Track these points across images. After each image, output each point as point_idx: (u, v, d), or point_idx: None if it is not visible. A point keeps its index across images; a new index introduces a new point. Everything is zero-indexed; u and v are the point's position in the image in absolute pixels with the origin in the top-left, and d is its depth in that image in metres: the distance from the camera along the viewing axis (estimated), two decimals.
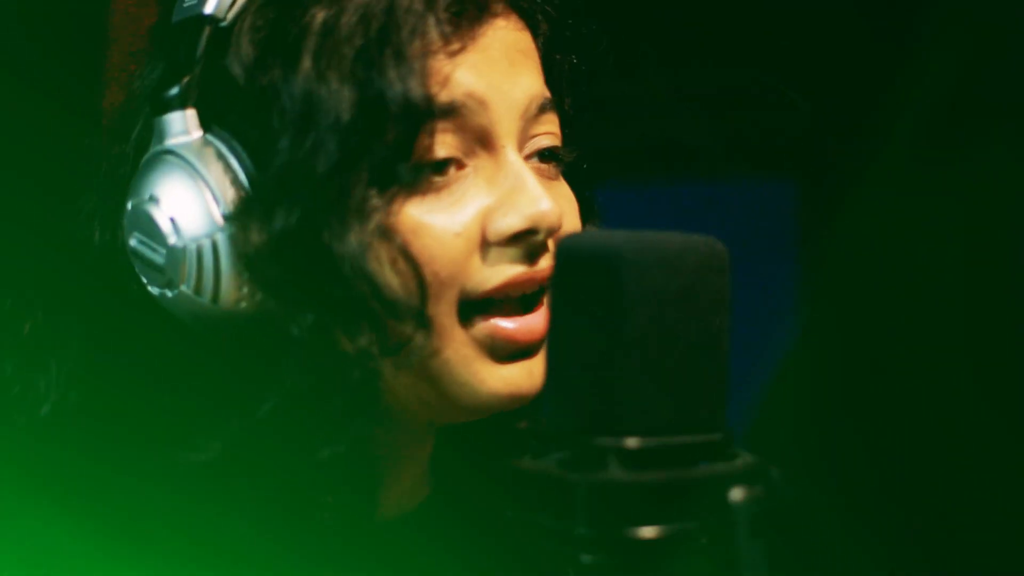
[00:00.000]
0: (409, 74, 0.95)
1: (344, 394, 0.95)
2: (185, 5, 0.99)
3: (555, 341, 0.80)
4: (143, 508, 0.95)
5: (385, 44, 0.96)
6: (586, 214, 1.08)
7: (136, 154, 1.01)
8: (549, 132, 1.04)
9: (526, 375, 0.99)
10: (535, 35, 1.06)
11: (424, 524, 1.07)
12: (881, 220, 2.04)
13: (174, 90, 0.97)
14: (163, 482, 0.96)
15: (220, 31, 0.98)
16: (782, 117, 2.15)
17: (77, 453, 0.99)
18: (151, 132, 0.99)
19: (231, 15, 0.98)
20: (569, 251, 0.81)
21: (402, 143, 0.96)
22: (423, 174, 0.97)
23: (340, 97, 0.95)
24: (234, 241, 0.95)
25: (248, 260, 0.94)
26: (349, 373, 0.95)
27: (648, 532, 0.73)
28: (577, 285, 0.78)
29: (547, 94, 1.03)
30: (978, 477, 1.90)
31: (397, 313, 0.95)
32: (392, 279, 0.95)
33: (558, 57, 1.08)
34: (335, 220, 0.94)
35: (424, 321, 0.95)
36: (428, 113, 0.96)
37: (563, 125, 1.06)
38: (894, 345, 2.02)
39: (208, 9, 0.97)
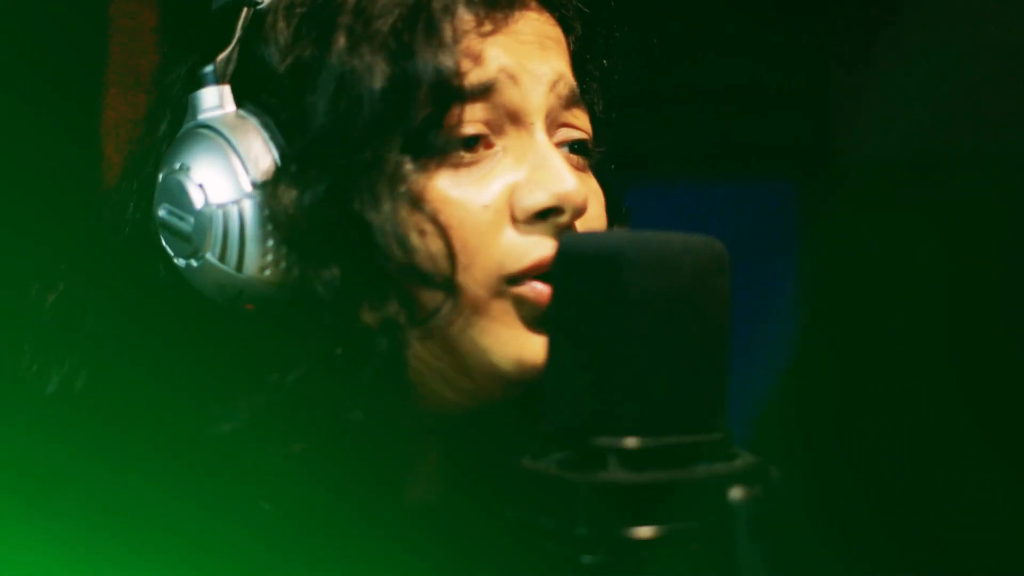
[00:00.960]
0: (441, 48, 0.97)
1: (371, 364, 0.96)
2: None
3: (555, 341, 0.80)
4: (166, 486, 0.95)
5: (418, 21, 0.98)
6: (614, 215, 1.09)
7: (169, 131, 1.04)
8: (579, 125, 1.06)
9: (543, 348, 0.99)
10: (567, 33, 1.08)
11: (437, 517, 1.07)
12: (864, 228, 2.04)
13: (209, 68, 0.99)
14: (184, 459, 0.96)
15: (257, 14, 1.01)
16: (782, 117, 2.16)
17: (97, 431, 0.99)
18: (185, 106, 1.01)
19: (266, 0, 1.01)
20: (569, 251, 0.81)
21: (434, 114, 0.98)
22: (453, 149, 0.99)
23: (374, 70, 0.97)
24: (262, 207, 0.96)
25: (277, 225, 0.96)
26: (376, 342, 0.96)
27: (648, 532, 0.74)
28: (577, 285, 0.78)
29: (575, 82, 1.05)
30: (976, 478, 1.90)
31: (426, 280, 0.96)
32: (422, 247, 0.96)
33: (589, 58, 1.09)
34: (366, 188, 0.96)
35: (453, 289, 0.96)
36: (460, 87, 0.98)
37: (593, 125, 1.07)
38: (891, 347, 2.02)
39: None
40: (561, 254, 0.80)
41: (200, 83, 1.00)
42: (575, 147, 1.05)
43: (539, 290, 0.98)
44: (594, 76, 1.11)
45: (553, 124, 1.04)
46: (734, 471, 0.76)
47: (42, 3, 1.64)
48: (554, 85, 1.03)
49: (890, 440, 1.99)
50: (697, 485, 0.76)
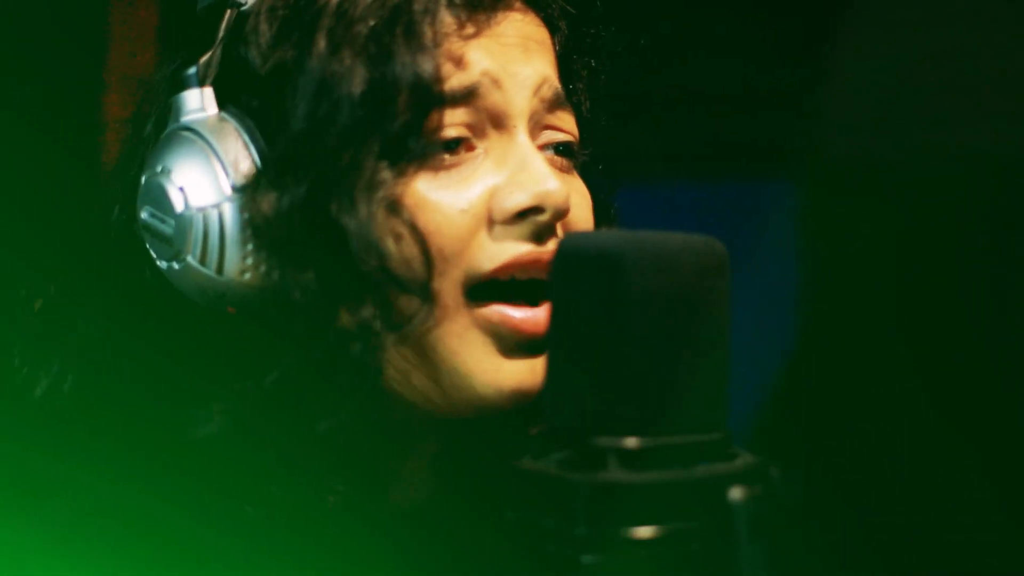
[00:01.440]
0: (421, 52, 0.97)
1: (345, 367, 0.96)
2: None
3: (555, 341, 0.80)
4: (150, 490, 0.95)
5: (398, 24, 0.98)
6: (602, 216, 1.09)
7: (155, 130, 1.04)
8: (563, 127, 1.05)
9: (529, 372, 0.99)
10: (553, 33, 1.07)
11: (426, 518, 1.07)
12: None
13: (192, 70, 1.00)
14: (168, 462, 0.96)
15: (240, 15, 1.01)
16: (782, 117, 2.16)
17: (82, 434, 0.99)
18: (169, 115, 1.01)
19: (251, 0, 1.01)
20: (569, 251, 0.81)
21: (413, 119, 0.98)
22: (433, 152, 0.99)
23: (353, 73, 0.97)
24: (242, 210, 0.96)
25: (256, 229, 0.96)
26: (351, 346, 0.96)
27: (648, 532, 0.74)
28: (577, 285, 0.78)
29: (559, 84, 1.04)
30: (976, 478, 1.90)
31: (401, 286, 0.96)
32: (397, 252, 0.96)
33: (575, 58, 1.09)
34: (344, 192, 0.96)
35: (428, 296, 0.96)
36: (440, 92, 0.98)
37: (580, 126, 1.07)
38: (891, 346, 2.02)
39: None
40: (561, 254, 0.80)
41: (183, 85, 1.00)
42: (560, 149, 1.05)
43: (512, 317, 0.98)
44: (580, 76, 1.10)
45: (537, 127, 1.03)
46: (734, 471, 0.76)
47: (42, 3, 1.64)
48: (538, 88, 1.02)
49: (890, 440, 1.99)
50: (697, 485, 0.76)
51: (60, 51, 1.63)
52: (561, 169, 1.04)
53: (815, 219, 2.18)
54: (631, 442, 0.74)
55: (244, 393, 0.97)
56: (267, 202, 0.96)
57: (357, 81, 0.96)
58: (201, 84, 1.00)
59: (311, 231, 0.96)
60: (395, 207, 0.96)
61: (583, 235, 0.99)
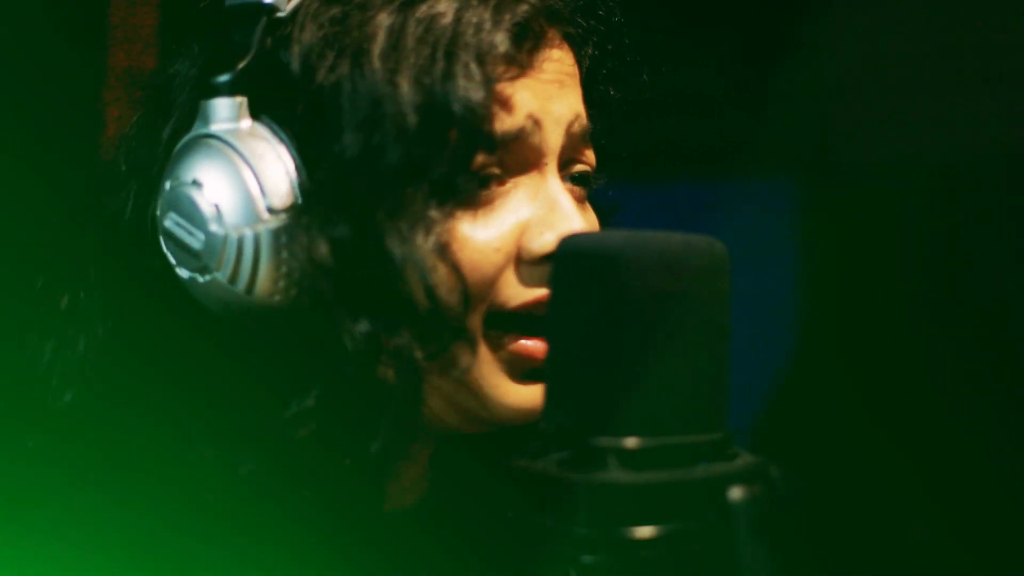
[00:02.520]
0: (476, 89, 0.96)
1: (388, 397, 0.96)
2: None
3: (555, 341, 0.80)
4: (161, 500, 0.95)
5: (453, 58, 0.96)
6: (603, 219, 1.10)
7: (174, 134, 1.01)
8: (586, 160, 1.06)
9: (541, 394, 1.00)
10: (579, 60, 1.07)
11: (420, 520, 1.07)
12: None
13: (225, 76, 0.96)
14: (184, 473, 0.96)
15: (276, 21, 0.98)
16: (781, 117, 2.16)
17: (95, 438, 0.99)
18: (194, 113, 0.98)
19: (290, 7, 0.98)
20: (569, 251, 0.81)
21: (464, 158, 0.97)
22: (471, 188, 0.98)
23: (407, 102, 0.95)
24: (279, 234, 0.94)
25: (294, 255, 0.94)
26: (389, 372, 0.96)
27: (648, 532, 0.73)
28: (577, 285, 0.78)
29: (587, 120, 1.05)
30: (976, 478, 1.90)
31: (439, 321, 0.95)
32: (437, 286, 0.95)
33: (599, 85, 1.09)
34: (392, 225, 0.95)
35: (463, 331, 0.96)
36: (491, 134, 0.98)
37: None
38: (891, 346, 2.02)
39: None
40: (561, 254, 0.80)
41: (213, 90, 0.96)
42: (577, 178, 1.05)
43: (527, 346, 0.99)
44: (600, 99, 1.10)
45: (564, 158, 1.04)
46: (734, 471, 0.76)
47: (42, 3, 1.64)
48: (570, 125, 1.03)
49: (890, 439, 1.99)
50: (697, 485, 0.76)
51: (60, 51, 1.63)
52: (577, 198, 1.04)
53: (815, 219, 2.18)
54: (631, 442, 0.74)
55: (270, 415, 0.96)
56: (310, 229, 0.94)
57: (411, 112, 0.95)
58: (233, 92, 0.96)
59: (354, 261, 0.94)
60: (439, 243, 0.96)
61: (583, 235, 0.99)
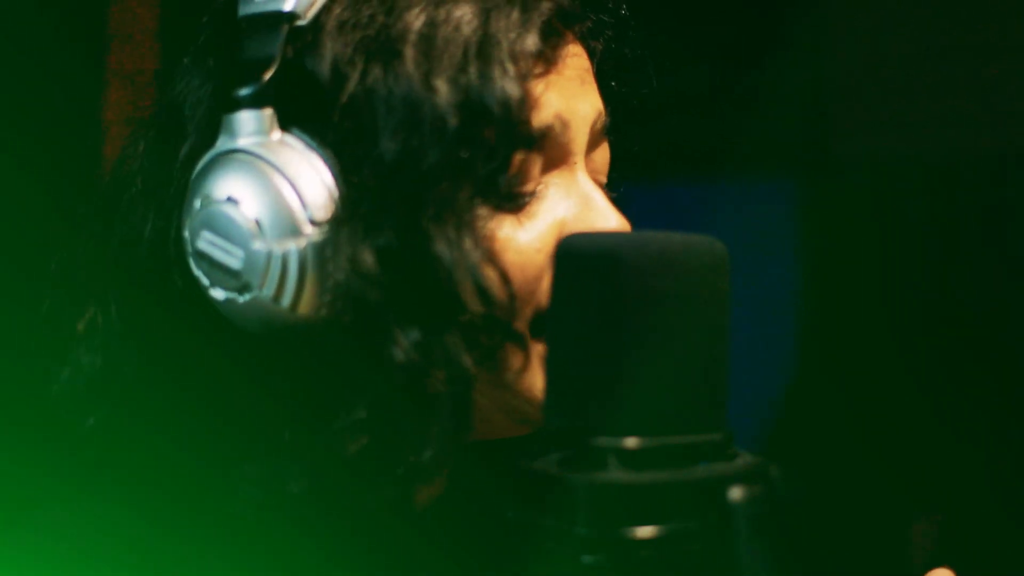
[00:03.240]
0: (513, 87, 0.95)
1: (434, 401, 0.95)
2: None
3: (555, 341, 0.80)
4: (199, 523, 0.94)
5: (487, 57, 0.96)
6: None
7: (192, 152, 0.98)
8: (606, 161, 1.06)
9: None
10: (591, 55, 1.07)
11: (436, 520, 1.07)
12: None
13: (249, 88, 0.93)
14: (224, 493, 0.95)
15: (298, 29, 0.96)
16: (782, 117, 2.16)
17: (124, 462, 0.97)
18: (213, 130, 0.96)
19: (310, 14, 0.96)
20: (569, 251, 0.81)
21: (504, 154, 0.96)
22: (510, 189, 0.98)
23: (445, 102, 0.94)
24: (324, 248, 0.92)
25: (340, 267, 0.92)
26: (443, 386, 0.95)
27: (648, 532, 0.73)
28: (577, 285, 0.78)
29: (607, 117, 1.05)
30: (976, 477, 1.90)
31: (490, 324, 0.95)
32: (486, 291, 0.94)
33: (608, 80, 1.10)
34: (438, 230, 0.93)
35: (513, 332, 0.96)
36: (528, 130, 0.97)
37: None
38: (892, 346, 2.02)
39: (288, 7, 0.95)
40: (561, 253, 0.80)
41: (236, 104, 0.94)
42: (601, 179, 1.06)
43: None
44: (609, 99, 1.10)
45: (589, 157, 1.04)
46: (734, 471, 0.76)
47: (42, 3, 1.64)
48: (594, 123, 1.03)
49: (891, 439, 1.99)
50: (697, 485, 0.76)
51: (60, 51, 1.63)
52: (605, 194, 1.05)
53: (815, 219, 2.18)
54: (631, 442, 0.74)
55: (317, 432, 0.94)
56: (353, 239, 0.92)
57: (450, 112, 0.93)
58: (259, 104, 0.93)
59: (402, 269, 0.93)
60: (485, 246, 0.95)
61: (583, 235, 0.99)
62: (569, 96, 1.01)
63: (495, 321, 0.95)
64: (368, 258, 0.92)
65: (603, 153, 1.06)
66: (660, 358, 0.76)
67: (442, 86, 0.94)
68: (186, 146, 0.99)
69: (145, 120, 1.06)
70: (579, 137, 1.02)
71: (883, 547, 1.94)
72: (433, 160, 0.93)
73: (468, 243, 0.93)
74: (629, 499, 0.74)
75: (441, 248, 0.93)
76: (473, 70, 0.95)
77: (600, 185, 1.06)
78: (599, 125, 1.04)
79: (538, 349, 0.98)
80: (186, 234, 0.96)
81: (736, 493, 0.75)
